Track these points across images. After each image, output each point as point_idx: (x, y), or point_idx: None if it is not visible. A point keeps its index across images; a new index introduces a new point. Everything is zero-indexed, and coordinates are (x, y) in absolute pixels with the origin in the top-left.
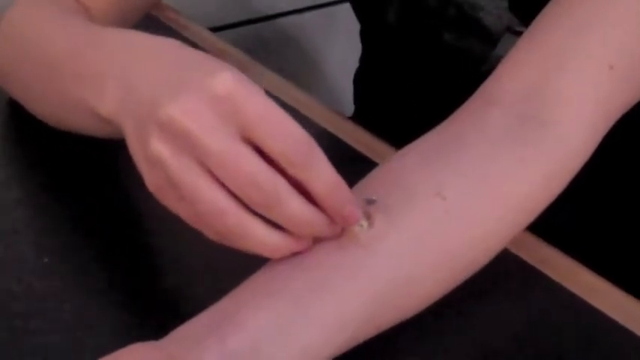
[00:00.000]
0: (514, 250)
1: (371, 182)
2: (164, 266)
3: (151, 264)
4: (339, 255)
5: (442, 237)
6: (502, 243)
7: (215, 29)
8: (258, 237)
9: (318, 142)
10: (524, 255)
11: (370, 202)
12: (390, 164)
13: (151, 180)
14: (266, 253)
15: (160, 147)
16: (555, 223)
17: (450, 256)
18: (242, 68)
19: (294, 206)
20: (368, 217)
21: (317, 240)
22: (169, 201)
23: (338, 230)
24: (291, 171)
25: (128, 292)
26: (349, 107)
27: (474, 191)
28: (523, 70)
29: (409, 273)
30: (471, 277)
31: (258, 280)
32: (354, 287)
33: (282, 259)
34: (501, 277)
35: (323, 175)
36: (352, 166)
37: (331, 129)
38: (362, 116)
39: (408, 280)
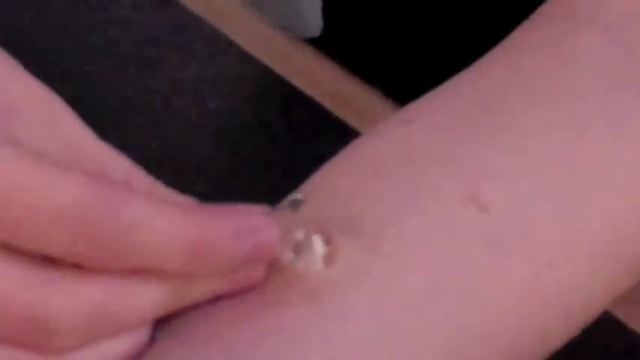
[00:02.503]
0: None
1: (341, 174)
2: None
3: None
4: (258, 321)
5: (481, 285)
6: (599, 299)
7: None
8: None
9: (255, 89)
10: None
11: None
12: (378, 142)
13: None
14: None
15: None
16: None
17: (499, 326)
18: None
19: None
20: (325, 236)
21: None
22: None
23: (256, 276)
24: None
25: None
26: (315, 23)
27: (543, 195)
28: None
29: (417, 357)
30: None
31: None
32: None
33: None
34: None
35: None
36: (312, 134)
37: (275, 65)
38: (333, 40)
39: None
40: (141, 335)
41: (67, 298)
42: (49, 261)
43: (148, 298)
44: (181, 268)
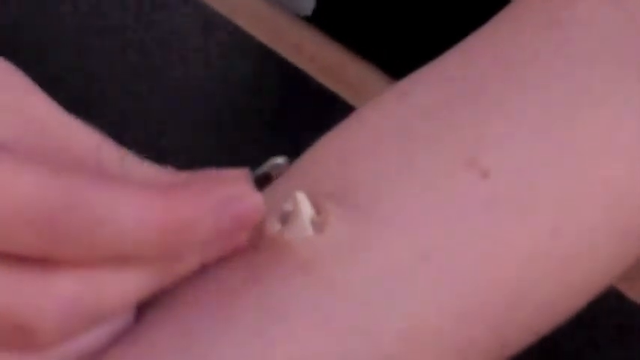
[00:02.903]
0: None
1: (336, 146)
2: None
3: None
4: (245, 295)
5: (479, 253)
6: (605, 272)
7: None
8: None
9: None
10: None
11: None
12: (375, 112)
13: None
14: None
15: None
16: None
17: (497, 295)
18: None
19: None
20: (318, 208)
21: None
22: None
23: (231, 243)
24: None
25: None
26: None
27: (547, 160)
28: None
29: (408, 326)
30: None
31: None
32: (279, 352)
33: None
34: None
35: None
36: (309, 110)
37: (268, 41)
38: (325, 16)
39: (404, 335)
40: (125, 318)
41: (41, 298)
42: (20, 260)
43: (128, 285)
44: (158, 253)
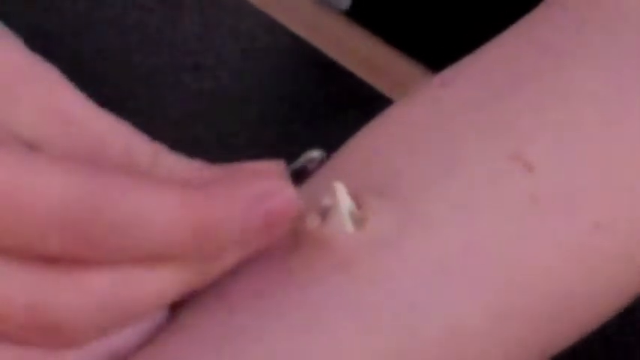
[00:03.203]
0: None
1: (376, 138)
2: None
3: None
4: (282, 294)
5: (524, 247)
6: None
7: None
8: None
9: (286, 62)
10: None
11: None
12: (414, 104)
13: None
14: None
15: None
16: None
17: (541, 291)
18: None
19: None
20: (359, 203)
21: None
22: None
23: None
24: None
25: None
26: None
27: (592, 155)
28: None
29: (451, 323)
30: None
31: None
32: (322, 348)
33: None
34: None
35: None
36: (347, 103)
37: (308, 36)
38: (363, 10)
39: (445, 332)
40: (157, 318)
41: (72, 294)
42: (52, 260)
43: (164, 282)
44: (192, 253)
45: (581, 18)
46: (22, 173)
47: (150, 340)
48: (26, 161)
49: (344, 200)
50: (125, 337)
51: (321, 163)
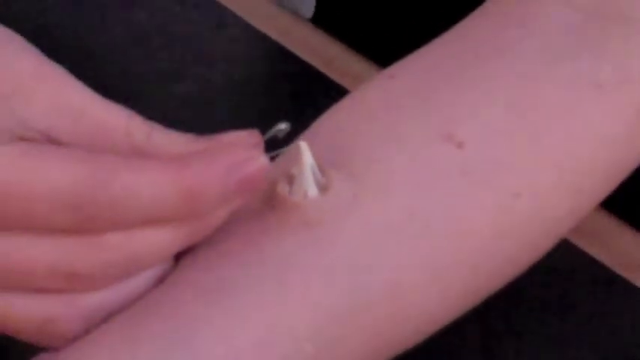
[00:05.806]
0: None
1: (335, 120)
2: None
3: None
4: (260, 245)
5: (455, 211)
6: (561, 226)
7: None
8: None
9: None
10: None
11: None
12: (367, 93)
13: None
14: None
15: None
16: None
17: (469, 247)
18: None
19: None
20: (322, 173)
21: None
22: None
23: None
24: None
25: None
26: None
27: (511, 133)
28: None
29: (396, 276)
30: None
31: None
32: (291, 296)
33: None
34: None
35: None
36: (313, 95)
37: (279, 37)
38: (325, 17)
39: (392, 284)
40: (165, 266)
41: (87, 250)
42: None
43: (163, 239)
44: (182, 215)
45: (507, 19)
46: (35, 165)
47: (158, 283)
48: (39, 154)
49: (308, 158)
50: (140, 280)
51: (288, 132)
